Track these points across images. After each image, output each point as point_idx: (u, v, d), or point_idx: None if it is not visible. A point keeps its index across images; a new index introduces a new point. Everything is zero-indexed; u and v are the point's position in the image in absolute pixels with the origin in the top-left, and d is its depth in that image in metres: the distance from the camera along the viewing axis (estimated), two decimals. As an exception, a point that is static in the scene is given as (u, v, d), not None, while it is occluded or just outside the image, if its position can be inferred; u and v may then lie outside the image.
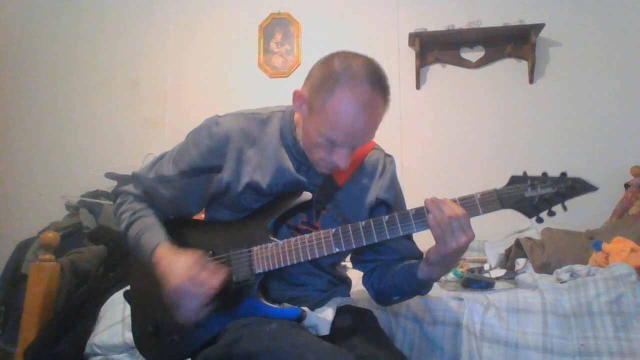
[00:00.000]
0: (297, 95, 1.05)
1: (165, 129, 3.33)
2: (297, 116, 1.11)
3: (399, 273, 1.14)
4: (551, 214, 0.96)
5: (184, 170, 1.12)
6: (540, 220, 0.96)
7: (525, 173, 0.98)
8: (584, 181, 0.94)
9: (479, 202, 0.97)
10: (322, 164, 1.07)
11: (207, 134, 1.10)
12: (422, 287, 1.13)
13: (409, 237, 1.21)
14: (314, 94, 1.01)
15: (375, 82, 0.99)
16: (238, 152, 1.10)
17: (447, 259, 1.01)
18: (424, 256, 1.06)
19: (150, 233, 1.11)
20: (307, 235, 1.04)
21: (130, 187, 1.21)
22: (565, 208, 0.95)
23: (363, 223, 1.02)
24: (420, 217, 0.99)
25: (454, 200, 0.98)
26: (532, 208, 0.96)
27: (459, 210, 0.96)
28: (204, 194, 1.16)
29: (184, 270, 1.00)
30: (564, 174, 0.96)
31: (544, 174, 0.97)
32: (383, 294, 1.20)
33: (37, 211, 3.09)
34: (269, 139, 1.12)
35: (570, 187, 0.94)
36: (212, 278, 1.00)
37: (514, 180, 0.98)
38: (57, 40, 3.50)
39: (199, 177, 1.12)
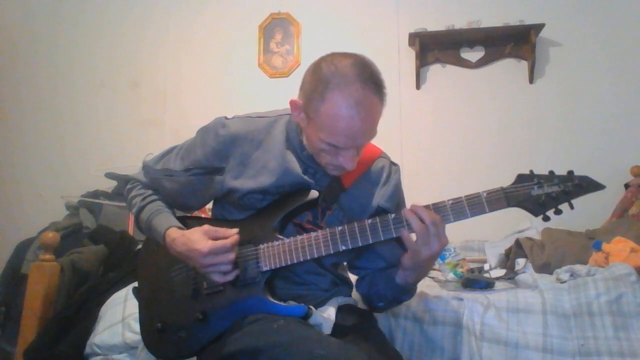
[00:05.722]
0: (293, 105, 1.06)
1: (165, 129, 3.33)
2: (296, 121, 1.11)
3: (381, 280, 1.16)
4: (558, 212, 0.96)
5: (188, 167, 1.15)
6: (547, 219, 0.96)
7: (531, 171, 0.98)
8: (591, 179, 0.94)
9: (486, 200, 0.97)
10: (330, 167, 1.08)
11: (214, 135, 1.12)
12: (402, 293, 1.14)
13: (402, 245, 1.21)
14: (308, 102, 1.02)
15: (366, 79, 0.98)
16: (242, 156, 1.12)
17: (420, 264, 1.03)
18: (401, 261, 1.07)
19: (161, 217, 1.15)
20: (313, 234, 1.05)
21: (139, 175, 1.26)
22: (572, 206, 0.95)
23: (369, 221, 1.02)
24: None
25: (461, 198, 0.98)
26: (538, 206, 0.96)
27: (437, 217, 0.97)
28: (205, 193, 1.19)
29: (200, 237, 1.03)
30: (570, 172, 0.96)
31: (551, 172, 0.97)
32: (370, 300, 1.23)
33: (37, 211, 3.09)
34: (275, 141, 1.13)
35: (577, 186, 0.94)
36: (227, 232, 1.04)
37: (520, 178, 0.98)
38: (57, 41, 3.50)
39: (201, 177, 1.15)
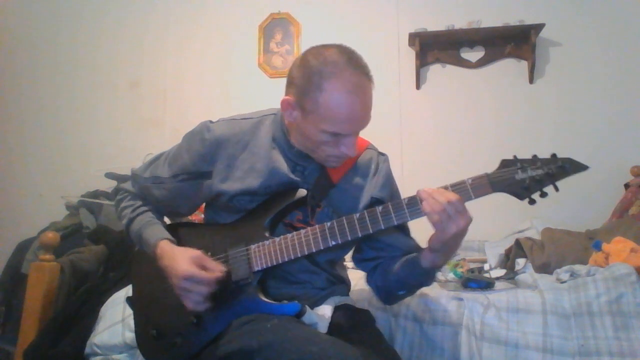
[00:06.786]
0: (285, 104, 1.06)
1: (165, 129, 3.32)
2: (287, 121, 1.11)
3: (402, 266, 1.14)
4: (543, 195, 0.96)
5: (176, 174, 1.15)
6: (532, 202, 0.96)
7: (515, 156, 0.98)
8: (574, 161, 0.94)
9: (470, 187, 0.98)
10: (331, 159, 1.09)
11: (200, 140, 1.12)
12: (427, 277, 1.12)
13: (406, 234, 1.22)
14: (303, 96, 1.02)
15: (355, 63, 1.01)
16: (229, 158, 1.12)
17: (448, 243, 1.01)
18: (428, 243, 1.06)
19: (151, 229, 1.14)
20: (302, 231, 1.05)
21: (128, 185, 1.26)
22: (557, 188, 0.95)
23: (357, 215, 1.03)
24: (414, 205, 1.00)
25: (446, 187, 0.99)
26: (523, 190, 0.96)
27: (452, 195, 0.96)
28: (194, 198, 1.19)
29: (187, 260, 1.03)
30: (554, 155, 0.96)
31: (534, 156, 0.97)
32: (388, 290, 1.20)
33: (37, 211, 3.09)
34: (261, 142, 1.13)
35: (560, 168, 0.94)
36: (215, 266, 1.03)
37: (504, 163, 0.98)
38: (57, 40, 3.50)
39: (190, 182, 1.15)
